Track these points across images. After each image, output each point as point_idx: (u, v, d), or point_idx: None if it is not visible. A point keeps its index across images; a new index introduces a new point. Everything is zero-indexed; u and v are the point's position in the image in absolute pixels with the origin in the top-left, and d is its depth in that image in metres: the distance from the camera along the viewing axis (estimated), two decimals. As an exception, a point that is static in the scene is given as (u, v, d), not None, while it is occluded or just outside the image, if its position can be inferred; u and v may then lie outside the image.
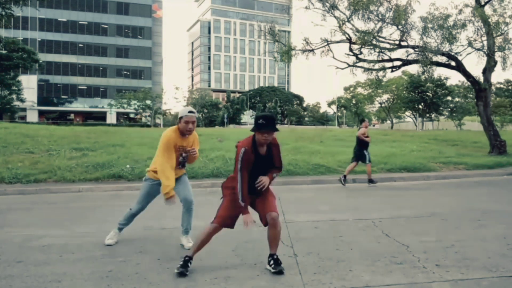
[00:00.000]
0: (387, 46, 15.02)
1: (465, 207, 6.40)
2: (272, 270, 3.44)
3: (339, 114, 78.16)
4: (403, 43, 14.87)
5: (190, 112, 4.02)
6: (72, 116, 68.68)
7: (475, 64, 35.80)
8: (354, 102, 65.94)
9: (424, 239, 4.46)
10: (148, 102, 58.12)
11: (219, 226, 3.49)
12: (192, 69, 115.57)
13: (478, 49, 14.46)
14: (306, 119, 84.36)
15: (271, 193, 3.61)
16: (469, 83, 16.96)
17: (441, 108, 48.23)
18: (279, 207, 6.36)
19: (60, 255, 4.00)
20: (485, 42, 14.39)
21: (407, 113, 54.63)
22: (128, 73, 71.59)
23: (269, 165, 3.52)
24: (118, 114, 66.68)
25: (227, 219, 3.49)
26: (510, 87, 46.69)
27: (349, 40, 15.26)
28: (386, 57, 15.34)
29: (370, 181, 9.04)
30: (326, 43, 15.61)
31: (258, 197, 3.57)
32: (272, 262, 3.49)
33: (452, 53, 14.53)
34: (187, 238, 4.27)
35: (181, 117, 4.03)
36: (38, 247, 4.28)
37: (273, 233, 3.48)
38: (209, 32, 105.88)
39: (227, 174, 9.73)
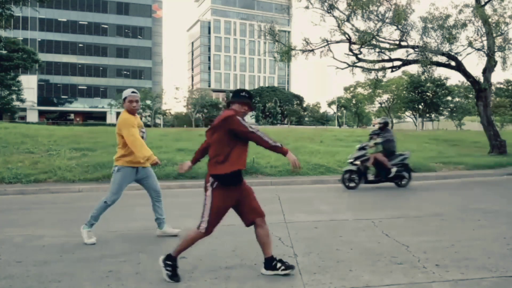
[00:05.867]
0: (387, 46, 15.02)
1: (465, 207, 6.39)
2: (287, 271, 3.33)
3: (339, 114, 78.15)
4: (403, 43, 14.87)
5: (133, 92, 4.47)
6: (72, 116, 68.65)
7: (475, 64, 35.79)
8: (354, 102, 65.96)
9: (424, 239, 4.45)
10: (148, 102, 58.11)
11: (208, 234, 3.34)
12: (192, 69, 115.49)
13: (478, 49, 14.46)
14: (306, 119, 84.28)
15: (250, 188, 3.46)
16: (469, 83, 16.95)
17: (441, 108, 48.25)
18: (279, 207, 6.36)
19: (60, 255, 4.00)
20: (485, 42, 14.39)
21: (407, 113, 54.66)
22: (128, 73, 71.56)
23: None
24: (118, 114, 66.62)
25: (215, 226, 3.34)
26: (510, 87, 46.66)
27: (349, 40, 15.26)
28: (386, 57, 15.34)
29: None
30: (326, 43, 15.61)
31: (242, 191, 3.35)
32: (280, 264, 3.35)
33: (452, 53, 14.52)
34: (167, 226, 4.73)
35: (125, 98, 4.43)
36: (38, 247, 4.28)
37: (265, 232, 3.38)
38: (209, 32, 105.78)
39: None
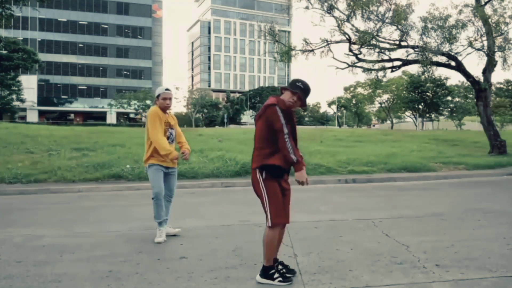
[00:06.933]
0: (387, 46, 15.02)
1: (465, 207, 6.39)
2: (289, 274, 3.27)
3: (339, 114, 78.14)
4: (403, 43, 14.88)
5: (166, 89, 4.57)
6: (72, 116, 68.71)
7: (475, 64, 35.88)
8: (354, 102, 65.95)
9: (424, 239, 4.45)
10: (148, 102, 58.14)
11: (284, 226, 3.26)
12: (192, 69, 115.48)
13: (478, 49, 14.45)
14: (306, 119, 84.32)
15: (290, 190, 3.44)
16: (469, 83, 16.96)
17: (441, 108, 48.25)
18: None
19: (60, 255, 4.00)
20: (485, 42, 14.38)
21: (407, 113, 54.65)
22: (128, 73, 71.59)
23: (295, 129, 3.24)
24: (118, 114, 66.68)
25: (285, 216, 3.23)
26: (510, 87, 46.68)
27: (349, 40, 15.26)
28: (386, 57, 15.35)
29: None
30: (326, 43, 15.62)
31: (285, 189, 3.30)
32: (284, 269, 3.29)
33: (452, 53, 14.52)
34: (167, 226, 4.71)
35: (158, 95, 4.51)
36: (38, 247, 4.28)
37: (279, 237, 3.33)
38: (209, 32, 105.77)
39: (227, 174, 9.74)
